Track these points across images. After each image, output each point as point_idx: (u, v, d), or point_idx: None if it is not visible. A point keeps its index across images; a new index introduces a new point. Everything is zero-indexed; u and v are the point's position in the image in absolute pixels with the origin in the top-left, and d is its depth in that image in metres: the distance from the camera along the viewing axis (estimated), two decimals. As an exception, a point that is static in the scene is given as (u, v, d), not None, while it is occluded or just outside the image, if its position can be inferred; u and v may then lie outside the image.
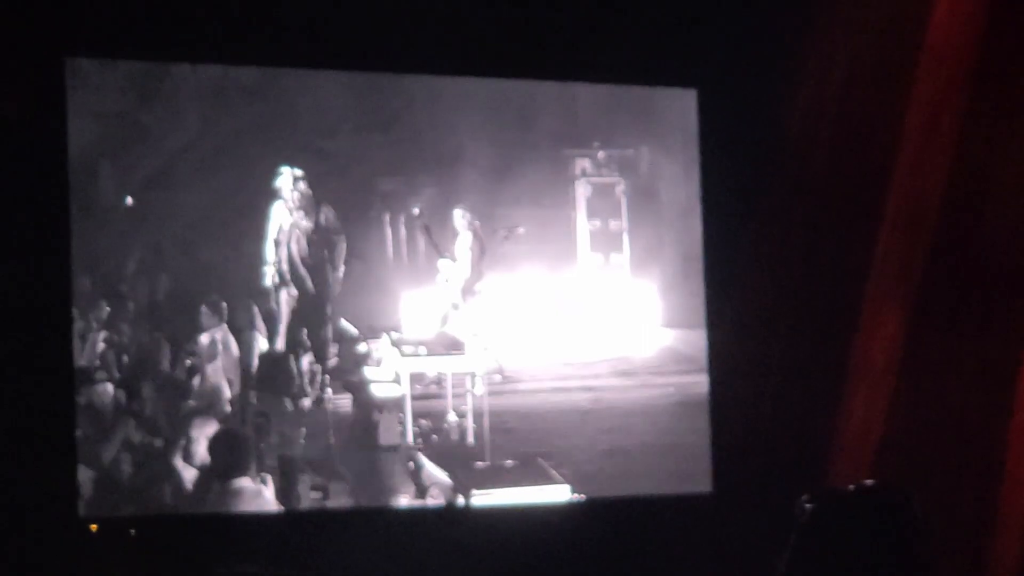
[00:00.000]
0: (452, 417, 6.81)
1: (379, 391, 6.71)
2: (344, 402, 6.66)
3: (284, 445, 6.40)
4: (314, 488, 6.38)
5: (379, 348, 6.73)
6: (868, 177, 6.68)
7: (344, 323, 6.69)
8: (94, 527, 5.91)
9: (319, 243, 6.65)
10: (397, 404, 6.69)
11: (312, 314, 6.66)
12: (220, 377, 6.35)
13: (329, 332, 6.66)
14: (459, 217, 6.87)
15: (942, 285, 6.50)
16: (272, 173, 6.49)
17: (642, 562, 6.44)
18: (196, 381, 6.30)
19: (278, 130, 6.49)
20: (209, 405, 6.30)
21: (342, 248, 6.65)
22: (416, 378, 6.77)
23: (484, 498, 6.56)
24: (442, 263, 6.88)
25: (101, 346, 6.14)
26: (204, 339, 6.35)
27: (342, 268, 6.65)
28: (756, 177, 6.78)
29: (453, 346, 6.84)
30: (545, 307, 6.99)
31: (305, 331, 6.63)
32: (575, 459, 6.80)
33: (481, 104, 6.83)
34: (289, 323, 6.62)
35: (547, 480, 6.69)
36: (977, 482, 6.35)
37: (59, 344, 5.96)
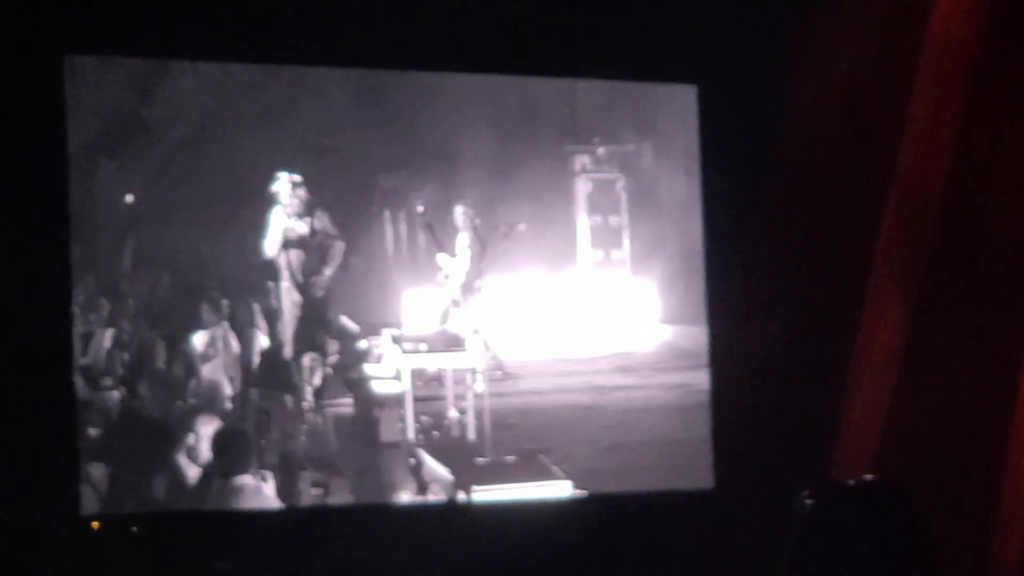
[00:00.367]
0: (453, 413, 6.82)
1: (380, 388, 6.71)
2: (345, 399, 6.67)
3: (285, 442, 6.40)
4: (315, 485, 6.38)
5: (380, 345, 6.73)
6: (869, 172, 6.68)
7: (345, 320, 6.69)
8: (96, 524, 5.91)
9: (316, 248, 6.66)
10: (398, 401, 6.69)
11: (313, 311, 6.66)
12: (221, 374, 6.35)
13: (330, 329, 6.66)
14: (459, 214, 6.87)
15: (944, 280, 6.49)
16: (271, 174, 6.49)
17: (643, 558, 6.44)
18: (197, 378, 6.30)
19: (278, 127, 6.49)
20: (210, 402, 6.31)
21: (338, 251, 6.65)
22: (417, 375, 6.77)
23: (485, 494, 6.56)
24: (442, 260, 6.89)
25: (107, 344, 6.14)
26: (205, 336, 6.36)
27: (336, 270, 6.66)
28: (757, 173, 6.77)
29: (454, 343, 6.84)
30: (546, 303, 6.99)
31: (306, 328, 6.64)
32: (576, 455, 6.80)
33: (481, 101, 6.83)
34: (290, 320, 6.63)
35: (548, 476, 6.69)
36: (979, 476, 6.35)
37: (60, 342, 5.96)
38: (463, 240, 6.90)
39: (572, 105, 7.04)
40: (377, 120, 6.66)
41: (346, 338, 6.69)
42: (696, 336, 6.99)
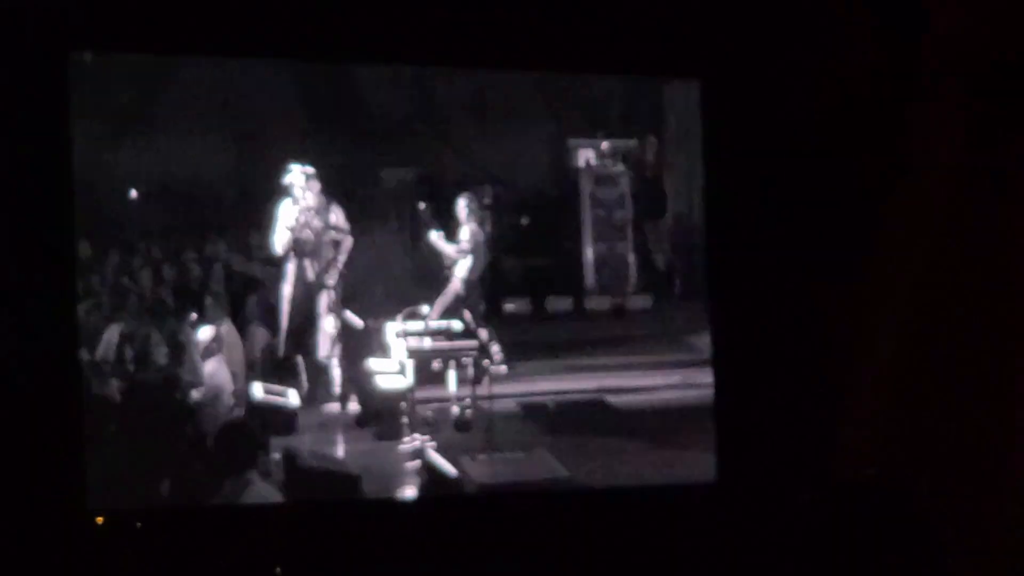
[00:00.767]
0: (456, 408, 6.82)
1: (384, 382, 6.72)
2: (349, 394, 6.67)
3: (289, 438, 6.41)
4: (318, 480, 6.39)
5: (383, 339, 6.73)
6: (873, 168, 6.67)
7: (349, 314, 6.70)
8: (100, 520, 5.92)
9: (328, 243, 6.66)
10: (402, 395, 6.70)
11: (317, 307, 6.67)
12: (225, 370, 6.36)
13: (334, 324, 6.67)
14: (463, 207, 6.87)
15: (947, 277, 6.49)
16: (279, 167, 6.49)
17: (645, 552, 6.44)
18: (201, 374, 6.31)
19: (283, 123, 6.49)
20: (214, 398, 6.31)
21: (347, 247, 6.66)
22: (421, 369, 6.77)
23: (489, 489, 6.57)
24: (446, 253, 6.88)
25: (115, 339, 6.15)
26: (209, 332, 6.36)
27: (345, 265, 6.66)
28: (760, 168, 6.77)
29: (458, 337, 6.84)
30: (549, 298, 6.99)
31: (310, 324, 6.64)
32: (579, 449, 6.80)
33: (485, 95, 6.83)
34: (297, 315, 6.63)
35: (552, 470, 6.69)
36: (981, 473, 6.34)
37: (65, 337, 5.96)
38: (467, 233, 6.90)
39: (575, 100, 7.04)
40: (380, 115, 6.66)
41: (350, 333, 6.70)
42: (700, 330, 6.98)
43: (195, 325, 6.33)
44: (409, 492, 6.53)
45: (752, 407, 6.74)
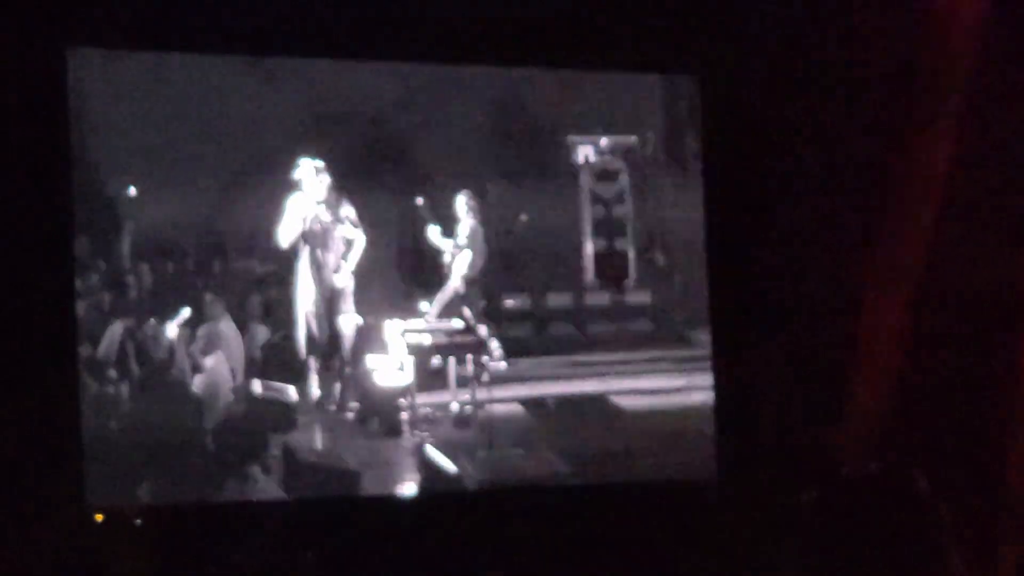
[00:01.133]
0: (456, 405, 6.81)
1: (383, 379, 6.71)
2: (349, 391, 6.67)
3: (289, 434, 6.40)
4: (318, 476, 6.38)
5: (383, 336, 6.73)
6: (873, 162, 6.67)
7: (349, 311, 6.69)
8: (99, 516, 5.92)
9: (338, 238, 6.64)
10: (401, 392, 6.70)
11: (318, 303, 6.66)
12: (224, 366, 6.35)
13: (334, 321, 6.66)
14: (462, 204, 6.87)
15: (948, 272, 6.50)
16: (278, 165, 6.47)
17: (646, 549, 6.44)
18: (200, 370, 6.30)
19: (284, 120, 6.48)
20: (213, 394, 6.31)
21: (359, 245, 6.64)
22: (420, 366, 6.77)
23: (488, 486, 6.57)
24: (445, 250, 6.88)
25: (118, 337, 6.15)
26: (208, 328, 6.36)
27: (354, 263, 6.65)
28: (758, 163, 6.77)
29: (457, 334, 6.84)
30: (549, 294, 6.99)
31: (310, 320, 6.64)
32: (579, 446, 6.80)
33: (483, 92, 6.83)
34: (294, 312, 6.62)
35: (551, 467, 6.69)
36: (984, 467, 6.35)
37: (64, 334, 5.96)
38: (466, 230, 6.89)
39: (574, 96, 7.03)
40: (380, 112, 6.66)
41: (350, 329, 6.70)
42: (700, 326, 6.98)
43: (195, 322, 6.33)
44: (409, 489, 6.53)
45: (752, 403, 6.74)
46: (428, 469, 6.54)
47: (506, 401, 6.82)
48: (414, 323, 6.76)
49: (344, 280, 6.65)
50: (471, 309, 6.88)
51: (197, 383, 6.29)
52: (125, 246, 6.27)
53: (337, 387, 6.65)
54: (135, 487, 6.08)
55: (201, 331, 6.34)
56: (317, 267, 6.62)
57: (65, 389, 5.92)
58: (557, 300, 7.00)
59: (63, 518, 5.75)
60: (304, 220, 6.55)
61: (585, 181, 7.10)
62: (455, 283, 6.89)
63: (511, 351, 6.87)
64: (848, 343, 6.69)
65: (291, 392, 6.49)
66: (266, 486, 6.22)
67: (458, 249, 6.89)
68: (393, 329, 6.72)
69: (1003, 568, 6.09)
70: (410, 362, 6.72)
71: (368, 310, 6.69)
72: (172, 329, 6.29)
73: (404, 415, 6.65)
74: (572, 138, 7.07)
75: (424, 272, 6.86)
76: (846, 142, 6.71)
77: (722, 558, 6.33)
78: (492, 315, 6.89)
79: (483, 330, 6.85)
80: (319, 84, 6.55)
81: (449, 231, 6.87)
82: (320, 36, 6.35)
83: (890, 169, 6.65)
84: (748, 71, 6.74)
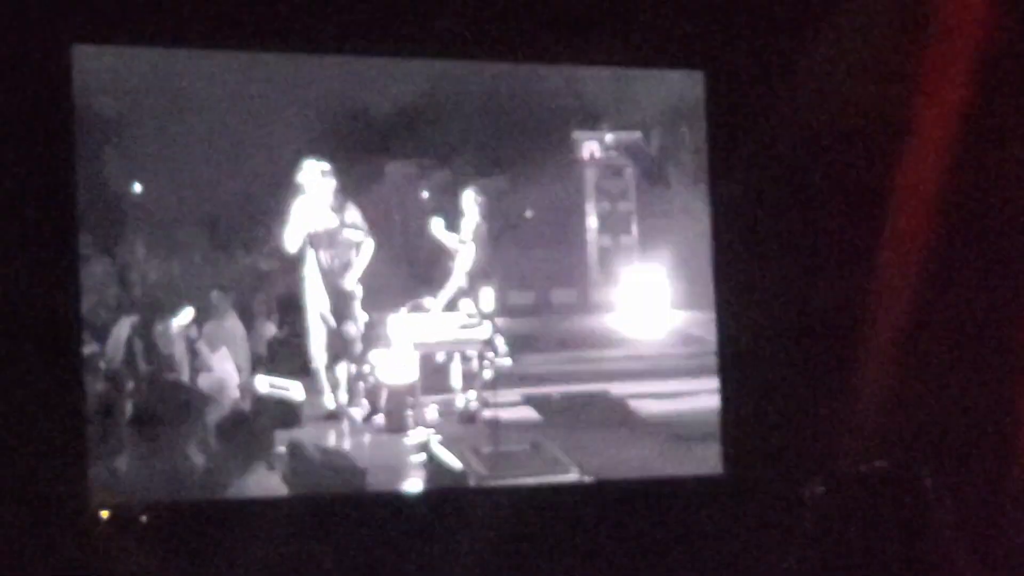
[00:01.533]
0: (461, 401, 6.81)
1: (388, 376, 6.71)
2: (354, 388, 6.67)
3: (294, 431, 6.40)
4: (323, 473, 6.38)
5: (388, 332, 6.73)
6: (877, 158, 6.66)
7: (355, 310, 6.69)
8: (105, 514, 5.92)
9: (345, 242, 6.63)
10: (407, 389, 6.70)
11: (324, 303, 6.66)
12: (230, 363, 6.35)
13: (340, 318, 6.66)
14: (468, 199, 6.87)
15: (950, 268, 6.49)
16: (286, 160, 6.47)
17: (652, 544, 6.44)
18: (206, 367, 6.30)
19: (290, 116, 6.48)
20: (219, 391, 6.31)
21: (367, 249, 6.63)
22: (425, 362, 6.77)
23: (494, 482, 6.56)
24: (451, 246, 6.88)
25: (125, 334, 6.15)
26: (214, 325, 6.36)
27: (361, 269, 6.65)
28: (764, 158, 6.75)
29: (462, 330, 6.84)
30: (554, 290, 6.99)
31: (316, 317, 6.64)
32: (584, 441, 6.80)
33: (489, 88, 6.82)
34: (300, 309, 6.63)
35: (556, 463, 6.68)
36: (988, 463, 6.35)
37: (68, 332, 5.95)
38: (471, 226, 6.89)
39: (579, 92, 7.03)
40: (385, 107, 6.65)
41: (356, 326, 6.70)
42: (705, 322, 6.97)
43: (201, 319, 6.33)
44: (414, 485, 6.52)
45: (758, 399, 6.73)
46: (433, 465, 6.54)
47: (511, 397, 6.81)
48: (419, 319, 6.76)
49: (351, 283, 6.64)
50: (476, 305, 6.87)
51: (203, 380, 6.29)
52: (130, 243, 6.27)
53: (342, 384, 6.65)
54: (140, 484, 6.07)
55: (207, 328, 6.34)
56: (323, 270, 6.63)
57: (70, 386, 5.92)
58: (562, 296, 7.00)
59: (68, 515, 5.75)
60: (310, 224, 6.55)
61: (590, 177, 7.09)
62: (460, 279, 6.88)
63: (516, 347, 6.86)
64: (854, 339, 6.68)
65: (297, 389, 6.49)
66: (272, 483, 6.21)
67: (463, 244, 6.89)
68: (398, 325, 6.72)
69: (1007, 563, 6.09)
70: (415, 358, 6.72)
71: (373, 306, 6.70)
72: (178, 326, 6.29)
73: (409, 412, 6.65)
74: (577, 134, 7.06)
75: (429, 268, 6.86)
76: (852, 138, 6.70)
77: (728, 551, 6.33)
78: (497, 311, 6.88)
79: (488, 326, 6.84)
80: (325, 80, 6.54)
81: (454, 226, 6.87)
82: (326, 32, 6.34)
83: (896, 167, 6.65)
84: (754, 67, 6.73)
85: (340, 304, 6.65)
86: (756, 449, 6.68)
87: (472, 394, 6.79)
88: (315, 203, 6.54)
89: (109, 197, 6.19)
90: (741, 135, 6.81)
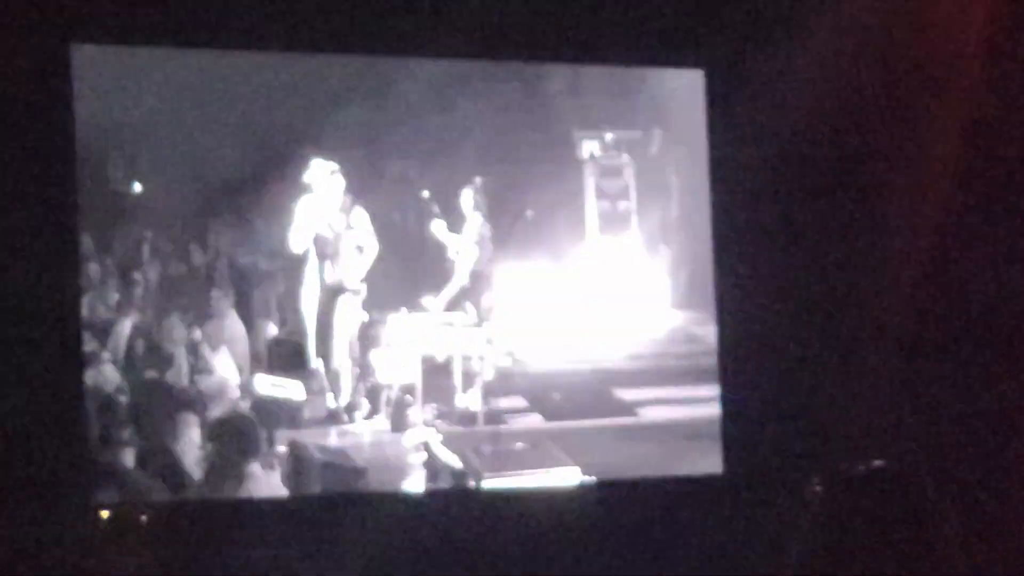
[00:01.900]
0: (461, 400, 6.81)
1: (389, 376, 6.71)
2: (355, 387, 6.67)
3: (294, 430, 6.40)
4: (324, 472, 6.38)
5: (388, 332, 6.72)
6: (877, 156, 6.67)
7: (357, 311, 6.68)
8: (105, 514, 5.92)
9: (349, 244, 6.62)
10: (407, 388, 6.69)
11: (324, 299, 6.66)
12: (230, 363, 6.35)
13: (340, 317, 6.66)
14: (468, 199, 6.87)
15: (950, 268, 6.49)
16: (282, 162, 6.46)
17: (652, 543, 6.44)
18: (206, 366, 6.30)
19: (291, 115, 6.47)
20: (219, 391, 6.31)
21: (371, 252, 6.62)
22: (426, 361, 6.77)
23: (494, 481, 6.56)
24: (451, 245, 6.88)
25: (127, 333, 6.15)
26: (215, 324, 6.36)
27: (365, 271, 6.64)
28: (763, 156, 6.76)
29: (463, 328, 6.84)
30: (554, 289, 6.98)
31: (315, 316, 6.63)
32: (585, 441, 6.80)
33: (489, 87, 6.82)
34: (300, 309, 6.62)
35: (557, 462, 6.68)
36: (988, 462, 6.35)
37: (69, 331, 5.96)
38: (472, 226, 6.89)
39: (580, 91, 7.03)
40: (385, 107, 6.65)
41: (355, 325, 6.70)
42: (705, 321, 6.98)
43: (201, 318, 6.33)
44: (415, 485, 6.52)
45: (758, 399, 6.73)
46: (433, 465, 6.54)
47: (511, 396, 6.81)
48: (419, 319, 6.76)
49: (354, 284, 6.64)
50: (476, 304, 6.87)
51: (203, 380, 6.29)
52: (131, 243, 6.27)
53: (343, 383, 6.65)
54: (141, 484, 6.07)
55: (207, 328, 6.34)
56: (326, 272, 6.62)
57: (71, 386, 5.92)
58: (562, 295, 6.99)
59: (69, 515, 5.75)
60: (316, 225, 6.55)
61: (590, 176, 7.09)
62: (460, 279, 6.88)
63: (517, 345, 6.86)
64: (855, 337, 6.68)
65: (297, 389, 6.49)
66: (272, 483, 6.21)
67: (464, 244, 6.88)
68: (398, 325, 6.71)
69: (1007, 563, 6.09)
70: (415, 358, 6.71)
71: (373, 306, 6.69)
72: (179, 325, 6.29)
73: (410, 411, 6.64)
74: (577, 133, 7.06)
75: (429, 268, 6.86)
76: (852, 136, 6.70)
77: (727, 550, 6.33)
78: (497, 309, 6.88)
79: (489, 324, 6.84)
80: (325, 80, 6.54)
81: (455, 226, 6.87)
82: (327, 29, 6.34)
83: (896, 166, 6.65)
84: (754, 65, 6.73)
85: (341, 302, 6.65)
86: (756, 449, 6.68)
87: (472, 394, 6.79)
88: (322, 203, 6.53)
89: (109, 197, 6.19)
90: (741, 135, 6.81)
